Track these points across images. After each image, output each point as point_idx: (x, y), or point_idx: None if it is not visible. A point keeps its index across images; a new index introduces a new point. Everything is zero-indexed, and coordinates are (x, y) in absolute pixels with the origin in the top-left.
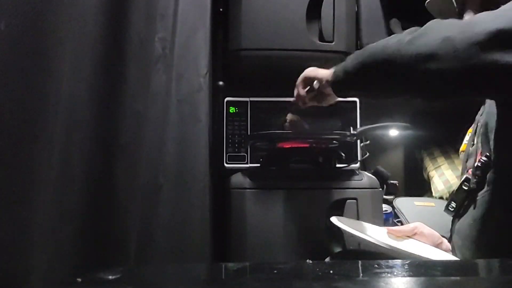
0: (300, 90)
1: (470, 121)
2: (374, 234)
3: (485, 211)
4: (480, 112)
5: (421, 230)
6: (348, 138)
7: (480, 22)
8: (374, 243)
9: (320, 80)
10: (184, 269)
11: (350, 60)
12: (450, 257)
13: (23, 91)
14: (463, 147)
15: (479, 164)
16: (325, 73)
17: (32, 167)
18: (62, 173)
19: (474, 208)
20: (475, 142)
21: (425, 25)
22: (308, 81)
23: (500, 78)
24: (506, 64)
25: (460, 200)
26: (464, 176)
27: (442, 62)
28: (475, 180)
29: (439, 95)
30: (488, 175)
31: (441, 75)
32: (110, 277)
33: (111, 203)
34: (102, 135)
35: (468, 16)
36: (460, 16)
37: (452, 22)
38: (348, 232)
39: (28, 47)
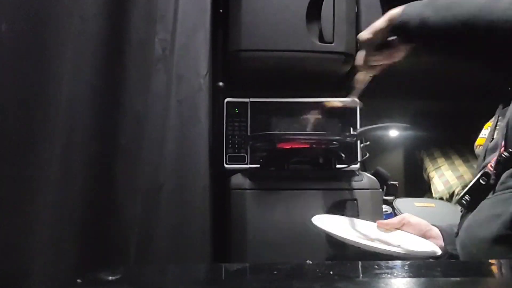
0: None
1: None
2: (363, 229)
3: (504, 210)
4: (500, 107)
5: (408, 220)
6: (348, 139)
7: None
8: (346, 240)
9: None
10: (184, 269)
11: (429, 7)
12: (432, 245)
13: (24, 92)
14: (479, 140)
15: (500, 159)
16: (392, 14)
17: (32, 168)
18: (62, 173)
19: (490, 205)
20: (495, 137)
21: None
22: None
23: None
24: None
25: (476, 195)
26: (483, 171)
27: None
28: (495, 176)
29: None
30: (507, 172)
31: None
32: (110, 277)
33: (111, 204)
34: (102, 135)
35: None
36: None
37: None
38: (326, 232)
39: (28, 48)
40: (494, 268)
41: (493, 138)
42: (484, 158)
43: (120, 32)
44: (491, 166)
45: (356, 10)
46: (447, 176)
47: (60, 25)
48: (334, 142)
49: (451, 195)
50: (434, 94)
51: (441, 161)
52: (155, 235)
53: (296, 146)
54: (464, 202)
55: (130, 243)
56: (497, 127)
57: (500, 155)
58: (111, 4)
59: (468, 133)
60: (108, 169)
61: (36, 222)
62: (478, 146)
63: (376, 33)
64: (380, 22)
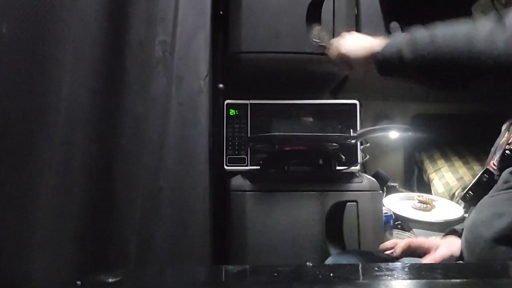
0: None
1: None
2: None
3: (507, 209)
4: None
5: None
6: (348, 140)
7: None
8: None
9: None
10: (184, 271)
11: (409, 46)
12: None
13: (24, 94)
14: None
15: (504, 155)
16: (373, 47)
17: (32, 170)
18: (62, 176)
19: (493, 204)
20: (506, 136)
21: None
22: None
23: None
24: None
25: (478, 191)
26: (485, 168)
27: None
28: (498, 172)
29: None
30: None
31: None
32: (110, 279)
33: (111, 206)
34: (102, 137)
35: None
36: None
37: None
38: None
39: (29, 50)
40: (494, 270)
41: (504, 137)
42: (494, 154)
43: (120, 34)
44: (493, 164)
45: (356, 13)
46: (447, 178)
47: (60, 27)
48: (334, 144)
49: (451, 197)
50: (434, 96)
51: (441, 162)
52: (155, 237)
53: (296, 148)
54: (468, 197)
55: (130, 245)
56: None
57: (504, 152)
58: (111, 6)
59: (468, 135)
60: (108, 171)
61: (36, 224)
62: None
63: (357, 61)
64: (362, 52)
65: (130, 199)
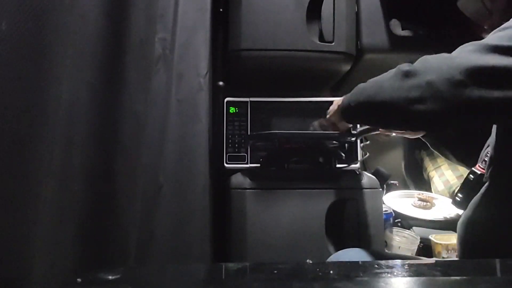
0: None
1: None
2: None
3: (497, 208)
4: None
5: None
6: (348, 138)
7: (458, 60)
8: None
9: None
10: (184, 269)
11: (354, 96)
12: None
13: (24, 92)
14: None
15: (485, 159)
16: (339, 100)
17: (32, 168)
18: (62, 174)
19: (484, 202)
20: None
21: (413, 65)
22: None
23: (481, 111)
24: (482, 98)
25: (466, 192)
26: (471, 169)
27: (430, 104)
28: (487, 175)
29: (434, 130)
30: (489, 171)
31: (431, 115)
32: (110, 277)
33: (111, 203)
34: (102, 135)
35: (485, 36)
36: (487, 18)
37: (434, 62)
38: None
39: (28, 48)
40: (494, 268)
41: None
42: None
43: (120, 31)
44: (479, 166)
45: (356, 10)
46: (447, 176)
47: (60, 24)
48: (334, 142)
49: (451, 195)
50: None
51: (441, 160)
52: (155, 234)
53: (296, 146)
54: (458, 200)
55: (130, 242)
56: None
57: (485, 155)
58: (111, 4)
59: None
60: (108, 169)
61: (36, 222)
62: None
63: (330, 117)
64: (332, 107)
65: (130, 196)
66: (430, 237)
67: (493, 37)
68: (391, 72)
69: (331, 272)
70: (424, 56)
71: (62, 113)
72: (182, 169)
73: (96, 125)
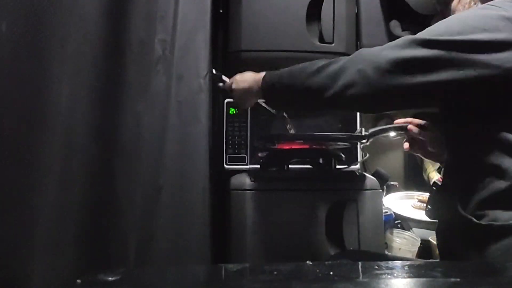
0: None
1: None
2: None
3: (445, 215)
4: None
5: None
6: (360, 139)
7: (385, 52)
8: None
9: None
10: (184, 270)
11: (284, 78)
12: None
13: (24, 93)
14: None
15: (442, 166)
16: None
17: (32, 169)
18: (62, 174)
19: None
20: None
21: (348, 57)
22: None
23: (406, 96)
24: (407, 84)
25: (434, 204)
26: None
27: (360, 88)
28: (445, 180)
29: (363, 111)
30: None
31: (361, 98)
32: (110, 278)
33: (111, 205)
34: (102, 136)
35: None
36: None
37: (366, 53)
38: None
39: (28, 48)
40: (494, 269)
41: None
42: None
43: (120, 32)
44: (441, 177)
45: (356, 10)
46: None
47: (60, 25)
48: (346, 144)
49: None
50: None
51: None
52: (155, 236)
53: (297, 147)
54: (427, 211)
55: (130, 244)
56: None
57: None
58: (111, 5)
59: None
60: (108, 170)
61: (36, 223)
62: None
63: (238, 89)
64: (241, 78)
65: (130, 198)
66: (429, 238)
67: (422, 32)
68: (325, 59)
69: (331, 273)
70: (360, 49)
71: (62, 114)
72: (182, 170)
73: (96, 126)
